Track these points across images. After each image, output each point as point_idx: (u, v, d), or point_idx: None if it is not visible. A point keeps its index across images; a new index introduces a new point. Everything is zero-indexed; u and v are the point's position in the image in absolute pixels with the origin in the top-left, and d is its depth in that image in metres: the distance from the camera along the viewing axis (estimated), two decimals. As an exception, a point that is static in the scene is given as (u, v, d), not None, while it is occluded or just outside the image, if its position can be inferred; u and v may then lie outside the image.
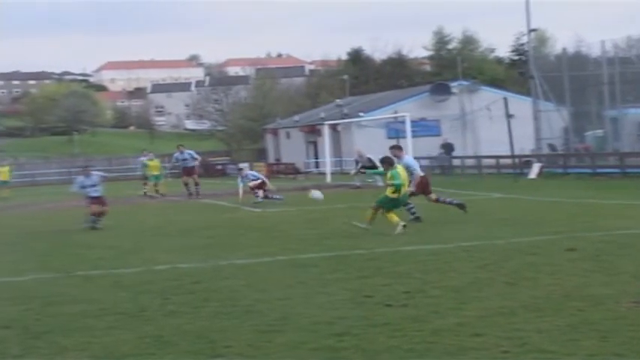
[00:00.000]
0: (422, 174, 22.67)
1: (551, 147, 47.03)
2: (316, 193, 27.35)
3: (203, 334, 9.51)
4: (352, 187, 39.09)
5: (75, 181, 25.55)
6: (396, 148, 22.78)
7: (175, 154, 38.74)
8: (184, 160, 37.38)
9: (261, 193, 30.24)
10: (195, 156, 37.86)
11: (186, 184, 36.88)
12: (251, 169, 37.04)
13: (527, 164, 43.67)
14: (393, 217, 18.95)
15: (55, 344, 9.46)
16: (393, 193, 19.10)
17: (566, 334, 8.76)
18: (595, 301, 10.28)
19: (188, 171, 37.24)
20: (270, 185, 31.41)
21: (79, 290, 12.91)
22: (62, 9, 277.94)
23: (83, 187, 24.56)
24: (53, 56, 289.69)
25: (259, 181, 30.84)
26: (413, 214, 21.52)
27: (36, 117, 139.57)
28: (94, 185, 24.52)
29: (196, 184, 36.82)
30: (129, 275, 14.30)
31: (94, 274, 14.68)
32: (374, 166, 41.51)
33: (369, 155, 39.81)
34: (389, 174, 19.29)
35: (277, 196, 30.47)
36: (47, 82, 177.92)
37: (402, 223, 18.68)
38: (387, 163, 19.83)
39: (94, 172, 25.44)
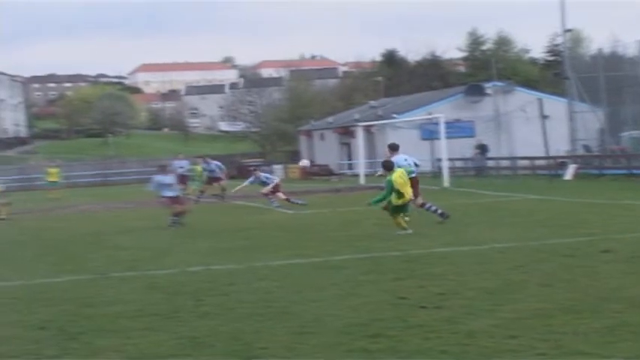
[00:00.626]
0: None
1: (587, 148, 46.73)
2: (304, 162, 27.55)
3: (238, 336, 9.52)
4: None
5: (152, 180, 25.54)
6: (389, 148, 22.44)
7: (175, 162, 39.53)
8: (212, 170, 37.83)
9: (276, 198, 29.78)
10: (222, 167, 38.27)
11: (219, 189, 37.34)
12: (266, 172, 36.52)
13: (563, 165, 43.41)
14: (401, 221, 19.22)
15: (90, 345, 9.51)
16: (397, 199, 19.10)
17: (603, 337, 8.69)
18: (632, 303, 10.18)
19: (215, 180, 37.73)
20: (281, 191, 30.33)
21: (114, 292, 12.98)
22: (97, 12, 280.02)
23: (160, 185, 24.77)
24: (88, 59, 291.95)
25: (272, 185, 30.18)
26: (436, 212, 21.91)
27: (71, 119, 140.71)
28: (170, 185, 24.80)
29: (223, 189, 37.22)
30: (163, 277, 14.35)
31: (129, 275, 14.75)
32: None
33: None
34: (386, 181, 19.39)
35: (300, 201, 30.02)
36: (82, 84, 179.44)
37: (409, 231, 18.96)
38: (386, 167, 19.87)
39: (178, 165, 25.64)
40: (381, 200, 19.66)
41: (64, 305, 11.89)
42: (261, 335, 9.51)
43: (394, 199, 19.07)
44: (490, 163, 51.68)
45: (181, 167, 40.43)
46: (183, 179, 41.40)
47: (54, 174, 47.55)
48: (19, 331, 10.38)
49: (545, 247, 15.67)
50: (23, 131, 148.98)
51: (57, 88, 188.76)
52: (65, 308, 11.67)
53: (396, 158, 22.84)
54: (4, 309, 11.95)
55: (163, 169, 25.45)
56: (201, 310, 11.12)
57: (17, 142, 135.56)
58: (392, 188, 19.02)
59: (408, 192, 19.33)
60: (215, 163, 38.04)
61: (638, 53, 44.59)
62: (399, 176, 19.27)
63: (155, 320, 10.60)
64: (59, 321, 10.84)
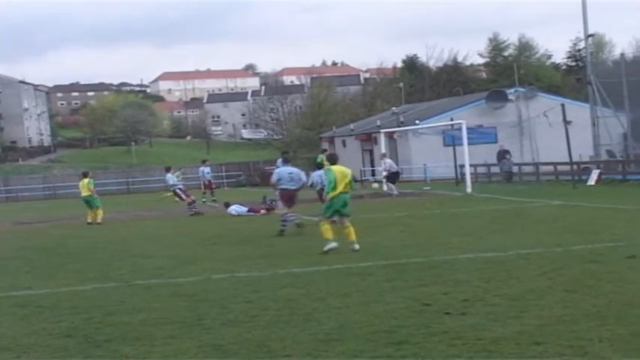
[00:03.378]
0: (293, 188, 23.31)
1: (610, 153, 46.47)
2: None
3: (262, 343, 9.54)
4: (390, 196, 39.17)
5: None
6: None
7: (201, 168, 39.98)
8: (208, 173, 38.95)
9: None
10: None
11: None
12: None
13: (586, 171, 43.20)
14: (326, 228, 18.08)
15: (115, 353, 9.54)
16: (331, 190, 18.38)
17: (629, 343, 8.65)
18: (658, 309, 10.14)
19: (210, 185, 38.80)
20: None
21: (139, 299, 13.02)
22: (119, 21, 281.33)
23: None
24: (111, 68, 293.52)
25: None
26: (284, 225, 22.71)
27: (95, 128, 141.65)
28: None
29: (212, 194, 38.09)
30: (187, 284, 14.39)
31: (153, 283, 14.80)
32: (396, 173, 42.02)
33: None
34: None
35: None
36: (105, 93, 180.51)
37: (334, 244, 17.72)
38: (329, 160, 19.73)
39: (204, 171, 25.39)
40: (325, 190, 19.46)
41: (89, 313, 11.94)
42: (286, 342, 9.52)
43: (330, 190, 18.36)
44: (513, 169, 51.53)
45: (208, 173, 40.75)
46: (209, 185, 41.84)
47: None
48: (45, 339, 10.43)
49: (570, 253, 15.62)
50: (47, 140, 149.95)
51: (80, 97, 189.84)
52: (90, 316, 11.72)
53: (281, 170, 24.18)
54: (30, 317, 12.00)
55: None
56: (225, 317, 11.15)
57: (41, 151, 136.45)
58: (332, 177, 18.33)
59: (341, 187, 18.25)
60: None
61: (661, 58, 44.35)
62: (339, 170, 18.57)
63: (179, 328, 10.63)
64: (85, 329, 10.89)
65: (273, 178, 24.11)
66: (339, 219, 18.33)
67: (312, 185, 25.70)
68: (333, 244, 17.67)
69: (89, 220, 31.60)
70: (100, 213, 32.12)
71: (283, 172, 24.13)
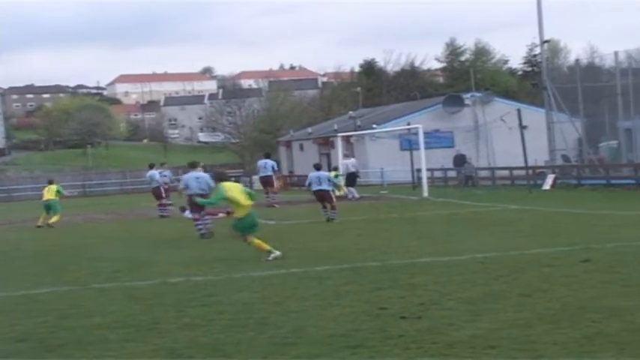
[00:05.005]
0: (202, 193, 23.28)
1: (565, 158, 46.92)
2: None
3: (218, 347, 9.51)
4: (352, 199, 39.19)
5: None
6: (188, 165, 22.06)
7: (159, 172, 38.53)
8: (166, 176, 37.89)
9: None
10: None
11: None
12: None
13: (541, 175, 43.57)
14: (258, 243, 17.65)
15: (69, 357, 9.47)
16: (238, 211, 17.72)
17: (582, 346, 8.72)
18: (611, 312, 10.23)
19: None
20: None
21: (94, 303, 12.92)
22: (75, 23, 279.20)
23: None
24: (67, 70, 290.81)
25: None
26: (200, 229, 23.06)
27: (50, 130, 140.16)
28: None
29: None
30: (143, 288, 14.31)
31: (109, 286, 14.69)
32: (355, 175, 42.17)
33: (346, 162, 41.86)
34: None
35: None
36: (61, 95, 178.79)
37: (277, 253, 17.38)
38: (217, 178, 19.10)
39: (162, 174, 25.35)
40: (209, 203, 19.42)
41: (44, 317, 11.82)
42: (241, 346, 9.50)
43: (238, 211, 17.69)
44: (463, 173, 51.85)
45: (165, 176, 40.14)
46: (167, 190, 41.08)
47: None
48: (-2, 344, 10.33)
49: (525, 257, 15.72)
50: (1, 142, 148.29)
51: (35, 99, 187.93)
52: (45, 320, 11.61)
53: (188, 176, 23.96)
54: (-18, 321, 11.87)
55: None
56: (181, 321, 11.10)
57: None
58: (222, 195, 17.81)
59: (244, 201, 17.60)
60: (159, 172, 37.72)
61: (615, 64, 44.73)
62: (231, 186, 18.10)
63: (135, 331, 10.57)
64: (39, 333, 10.79)
65: (181, 185, 24.50)
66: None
67: (309, 185, 28.01)
68: (277, 253, 17.32)
69: (39, 224, 31.41)
70: (57, 217, 31.85)
71: (191, 177, 24.22)
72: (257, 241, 17.59)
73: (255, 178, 61.69)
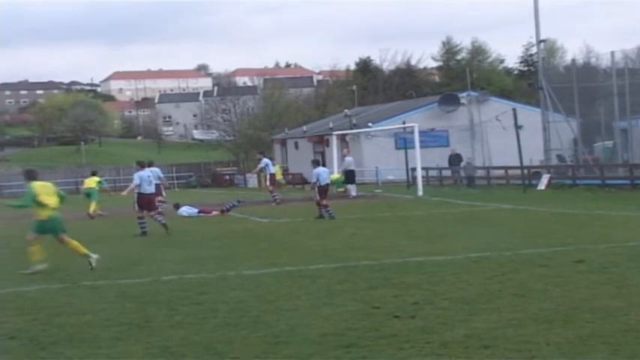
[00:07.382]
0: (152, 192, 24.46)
1: (560, 158, 46.91)
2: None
3: (210, 346, 9.46)
4: (350, 197, 39.34)
5: None
6: (136, 164, 22.53)
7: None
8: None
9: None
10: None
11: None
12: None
13: (536, 175, 43.55)
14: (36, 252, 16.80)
15: (61, 355, 9.42)
16: (41, 212, 16.80)
17: (575, 347, 8.70)
18: (604, 313, 10.21)
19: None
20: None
21: (86, 301, 12.86)
22: (70, 19, 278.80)
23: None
24: (61, 66, 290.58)
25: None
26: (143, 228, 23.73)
27: (44, 127, 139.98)
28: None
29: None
30: (135, 286, 14.25)
31: (101, 284, 14.63)
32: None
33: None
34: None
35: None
36: (55, 92, 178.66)
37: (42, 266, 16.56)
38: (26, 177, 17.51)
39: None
40: (19, 206, 17.86)
41: (35, 314, 11.76)
42: (234, 345, 9.46)
43: (39, 212, 16.74)
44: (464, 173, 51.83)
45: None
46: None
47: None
48: (-11, 341, 10.27)
49: (519, 257, 15.70)
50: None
51: (29, 95, 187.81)
52: (36, 317, 11.55)
53: (140, 174, 24.44)
54: (-27, 318, 11.81)
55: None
56: (173, 319, 11.05)
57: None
58: (32, 197, 16.58)
59: (53, 204, 16.77)
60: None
61: (611, 64, 44.72)
62: (42, 185, 16.98)
63: (126, 330, 10.52)
64: (30, 330, 10.73)
65: (135, 182, 24.85)
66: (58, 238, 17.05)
67: (317, 180, 28.64)
68: (41, 266, 16.54)
69: (90, 213, 33.20)
70: (94, 206, 33.80)
71: (143, 175, 24.71)
72: (37, 247, 16.76)
73: (249, 176, 61.89)
